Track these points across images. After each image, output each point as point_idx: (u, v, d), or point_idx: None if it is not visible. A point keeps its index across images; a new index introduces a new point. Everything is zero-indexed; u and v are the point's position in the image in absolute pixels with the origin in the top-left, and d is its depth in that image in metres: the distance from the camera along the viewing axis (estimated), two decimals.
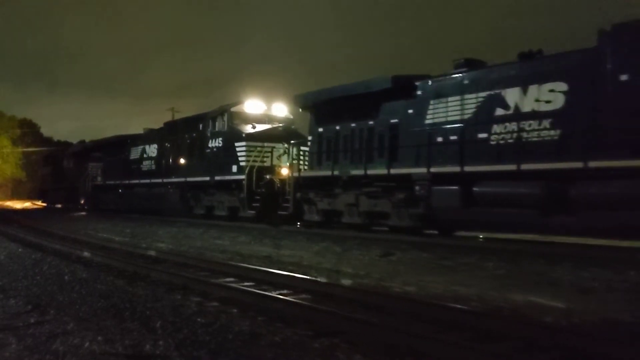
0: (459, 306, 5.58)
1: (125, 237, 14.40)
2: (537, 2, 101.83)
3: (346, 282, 7.46)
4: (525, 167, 9.87)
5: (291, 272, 8.12)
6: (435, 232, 12.51)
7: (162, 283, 7.34)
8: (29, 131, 66.49)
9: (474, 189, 10.70)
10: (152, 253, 10.53)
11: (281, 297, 6.11)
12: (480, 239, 11.47)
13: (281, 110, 18.88)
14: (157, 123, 24.91)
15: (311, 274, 7.98)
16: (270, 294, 6.31)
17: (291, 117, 18.78)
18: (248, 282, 7.31)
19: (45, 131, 73.72)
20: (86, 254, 10.34)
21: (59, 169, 34.87)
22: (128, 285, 7.18)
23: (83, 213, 27.51)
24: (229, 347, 4.32)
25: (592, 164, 8.99)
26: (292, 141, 15.95)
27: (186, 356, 4.08)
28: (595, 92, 9.35)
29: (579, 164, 9.18)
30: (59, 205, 34.01)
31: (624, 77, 9.02)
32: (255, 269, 8.23)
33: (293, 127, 18.30)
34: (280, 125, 18.26)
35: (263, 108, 18.77)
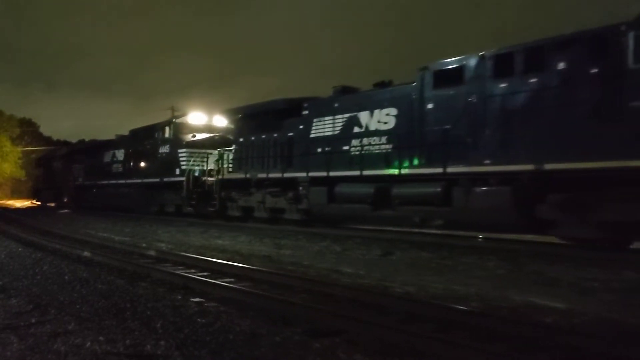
0: (459, 306, 5.59)
1: (125, 236, 14.40)
2: None
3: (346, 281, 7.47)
4: (365, 172, 13.10)
5: (290, 272, 8.15)
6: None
7: (162, 283, 7.36)
8: (28, 130, 66.46)
9: (335, 189, 13.85)
10: (152, 253, 10.54)
11: (278, 297, 6.12)
12: (480, 239, 11.49)
13: (221, 121, 21.90)
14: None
15: (310, 274, 8.00)
16: (269, 294, 6.32)
17: (232, 126, 20.63)
18: (247, 282, 7.33)
19: (45, 130, 73.61)
20: (86, 253, 10.35)
21: (49, 170, 37.86)
22: (129, 284, 7.19)
23: (67, 210, 29.85)
24: (229, 346, 4.33)
25: (404, 171, 12.29)
26: (218, 149, 19.27)
27: (187, 356, 4.09)
28: (412, 116, 12.35)
29: (395, 171, 12.41)
30: (53, 204, 35.96)
31: (430, 106, 12.02)
32: (255, 269, 8.24)
33: (229, 136, 20.29)
34: (218, 134, 21.31)
35: (205, 119, 22.32)
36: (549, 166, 9.57)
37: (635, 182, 8.45)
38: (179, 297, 6.39)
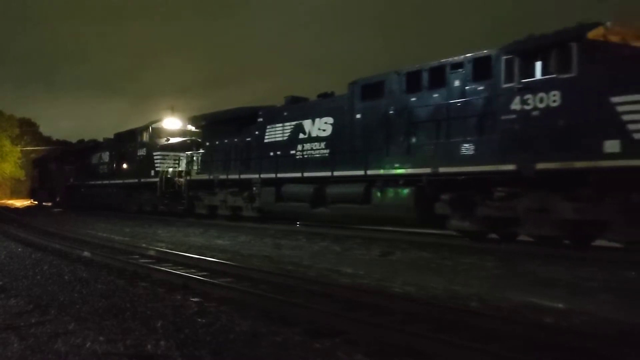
0: (458, 306, 5.60)
1: (125, 236, 14.40)
2: None
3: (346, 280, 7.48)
4: (305, 174, 14.86)
5: (290, 273, 8.16)
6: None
7: (162, 283, 7.36)
8: (28, 130, 66.40)
9: (281, 189, 15.63)
10: (152, 253, 10.55)
11: (279, 297, 6.13)
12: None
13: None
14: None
15: (309, 273, 8.01)
16: (269, 294, 6.32)
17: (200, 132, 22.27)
18: (246, 282, 7.34)
19: (45, 130, 73.60)
20: (86, 253, 10.35)
21: (45, 171, 39.72)
22: (129, 284, 7.20)
23: (60, 209, 31.70)
24: (230, 346, 4.34)
25: (336, 173, 13.92)
26: (188, 152, 21.25)
27: (188, 356, 4.10)
28: (344, 125, 14.03)
29: (329, 173, 14.11)
30: (49, 204, 37.71)
31: (358, 116, 13.65)
32: (254, 269, 8.24)
33: (200, 139, 21.64)
34: (190, 138, 22.64)
35: (179, 124, 24.38)
36: (442, 169, 11.30)
37: (507, 183, 10.28)
38: (179, 297, 6.39)
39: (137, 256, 10.19)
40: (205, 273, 8.04)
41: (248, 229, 15.04)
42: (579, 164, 9.22)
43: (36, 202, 41.51)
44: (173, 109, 40.74)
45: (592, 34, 9.66)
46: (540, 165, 9.70)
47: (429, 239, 11.53)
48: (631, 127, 8.63)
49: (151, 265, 8.70)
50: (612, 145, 8.87)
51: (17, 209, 34.71)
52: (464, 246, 10.25)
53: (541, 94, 9.85)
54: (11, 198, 57.37)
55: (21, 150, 62.23)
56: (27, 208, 36.61)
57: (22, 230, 16.73)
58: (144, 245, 11.96)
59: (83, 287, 6.90)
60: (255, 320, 5.23)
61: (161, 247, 11.39)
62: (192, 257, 9.60)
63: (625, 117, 8.71)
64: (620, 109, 8.78)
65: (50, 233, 15.53)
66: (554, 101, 9.70)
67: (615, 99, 8.85)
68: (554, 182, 9.69)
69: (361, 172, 13.13)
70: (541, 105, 9.84)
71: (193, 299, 6.27)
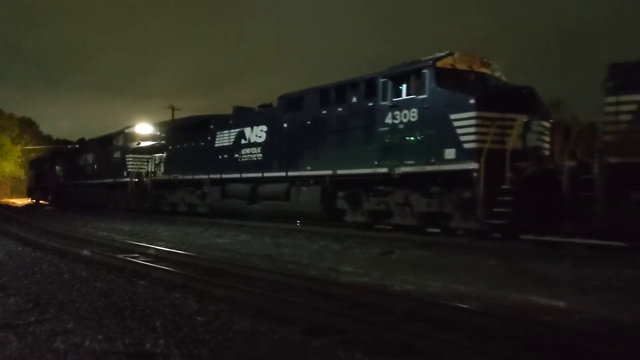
0: (458, 305, 5.58)
1: (125, 235, 14.38)
2: None
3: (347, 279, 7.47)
4: (243, 175, 17.47)
5: (290, 271, 8.14)
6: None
7: (161, 281, 7.34)
8: (28, 129, 66.38)
9: (226, 188, 18.18)
10: (152, 251, 10.53)
11: (279, 296, 6.12)
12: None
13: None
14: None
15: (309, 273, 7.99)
16: (268, 293, 6.31)
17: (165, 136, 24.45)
18: (245, 281, 7.32)
19: (45, 130, 73.62)
20: (86, 252, 10.34)
21: (40, 171, 42.01)
22: (128, 283, 7.18)
23: (51, 207, 34.06)
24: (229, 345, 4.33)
25: (266, 174, 16.46)
26: (154, 155, 23.53)
27: (187, 354, 4.08)
28: (275, 133, 16.40)
29: (259, 174, 16.63)
30: (46, 202, 39.71)
31: (285, 125, 16.03)
32: (255, 269, 8.23)
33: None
34: (160, 142, 24.34)
35: (150, 129, 26.30)
36: (339, 172, 13.91)
37: (383, 183, 12.92)
38: (178, 295, 6.38)
39: (137, 255, 10.17)
40: (204, 272, 8.01)
41: (248, 227, 15.05)
42: (429, 168, 11.66)
43: (34, 201, 43.58)
44: (173, 109, 41.01)
45: (440, 63, 11.99)
46: (403, 169, 12.20)
47: (429, 239, 11.54)
48: (462, 138, 11.01)
49: (150, 264, 8.68)
50: (450, 153, 11.25)
51: (16, 208, 35.44)
52: (463, 245, 10.25)
53: (405, 111, 12.28)
54: (12, 197, 57.41)
55: (21, 149, 62.22)
56: (25, 206, 37.57)
57: (22, 229, 16.72)
58: (144, 244, 11.94)
59: (82, 285, 6.89)
60: (255, 318, 5.22)
61: (161, 246, 11.37)
62: (192, 255, 9.58)
63: (459, 131, 11.07)
64: (455, 124, 11.13)
65: (49, 232, 15.52)
66: (413, 117, 12.11)
67: (452, 116, 11.19)
68: (415, 182, 12.07)
69: (284, 174, 15.66)
70: (405, 120, 12.29)
71: (192, 298, 6.25)
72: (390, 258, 9.37)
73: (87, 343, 4.30)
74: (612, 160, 9.03)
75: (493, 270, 7.91)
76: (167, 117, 39.15)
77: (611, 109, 9.19)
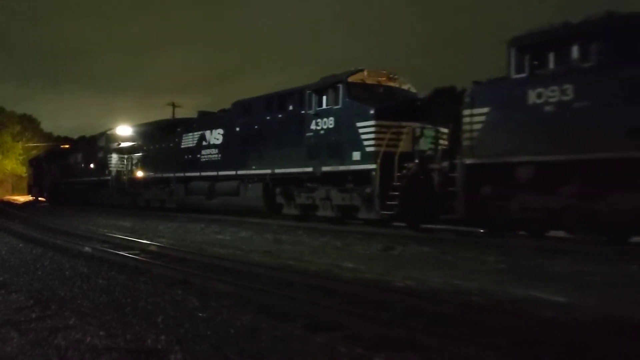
0: (460, 300, 5.58)
1: (125, 232, 14.40)
2: None
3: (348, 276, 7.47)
4: (202, 174, 19.58)
5: (291, 267, 8.14)
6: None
7: (163, 278, 7.34)
8: (29, 127, 66.36)
9: (188, 185, 20.39)
10: (153, 248, 10.54)
11: (280, 292, 6.12)
12: (481, 233, 11.51)
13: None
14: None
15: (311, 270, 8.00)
16: (269, 289, 6.31)
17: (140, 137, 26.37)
18: (247, 277, 7.32)
19: (47, 127, 73.56)
20: (87, 249, 10.35)
21: (39, 169, 43.45)
22: (129, 279, 7.18)
23: (46, 204, 36.65)
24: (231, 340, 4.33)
25: (221, 173, 18.51)
26: (133, 154, 25.54)
27: (188, 350, 4.08)
28: (229, 135, 18.41)
29: (216, 173, 18.79)
30: (44, 199, 41.08)
31: (237, 129, 18.00)
32: (256, 265, 8.22)
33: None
34: (138, 143, 25.89)
35: (130, 131, 27.54)
36: (277, 170, 15.93)
37: (310, 180, 15.01)
38: (180, 292, 6.38)
39: (138, 251, 10.18)
40: (205, 268, 8.01)
41: (249, 224, 15.08)
42: (342, 167, 13.75)
43: (33, 198, 44.99)
44: (174, 105, 41.07)
45: (352, 78, 14.00)
46: (324, 168, 14.22)
47: (430, 235, 11.55)
48: (365, 143, 13.02)
49: (151, 261, 8.69)
50: (356, 155, 13.28)
51: (17, 204, 36.70)
52: (464, 241, 10.25)
53: (325, 119, 14.32)
54: (13, 194, 57.48)
55: (22, 147, 62.24)
56: (25, 203, 39.00)
57: (24, 225, 16.74)
58: (145, 240, 11.95)
59: (83, 282, 6.90)
60: (256, 315, 5.22)
61: (162, 243, 11.38)
62: (193, 252, 9.58)
63: (362, 137, 13.08)
64: (360, 131, 13.15)
65: (50, 228, 15.53)
66: (331, 124, 14.14)
67: (358, 124, 13.22)
68: (334, 179, 14.11)
69: (235, 172, 17.70)
70: (325, 127, 14.32)
71: (193, 294, 6.25)
72: (391, 254, 9.38)
73: (88, 339, 4.30)
74: (468, 161, 10.75)
75: (494, 265, 7.92)
76: (168, 114, 40.08)
77: (467, 119, 10.88)
